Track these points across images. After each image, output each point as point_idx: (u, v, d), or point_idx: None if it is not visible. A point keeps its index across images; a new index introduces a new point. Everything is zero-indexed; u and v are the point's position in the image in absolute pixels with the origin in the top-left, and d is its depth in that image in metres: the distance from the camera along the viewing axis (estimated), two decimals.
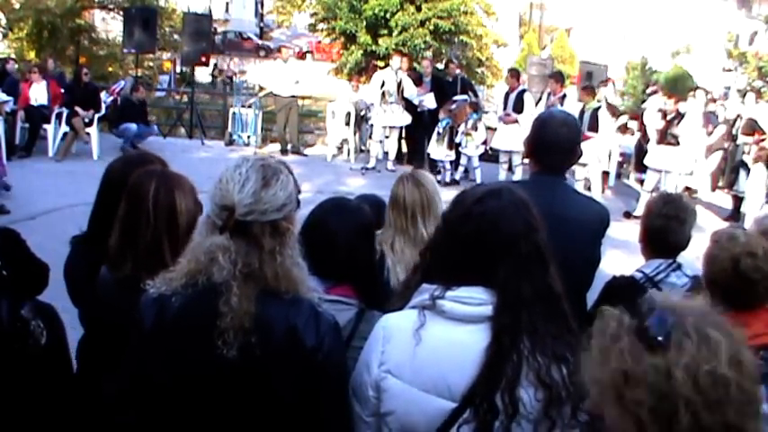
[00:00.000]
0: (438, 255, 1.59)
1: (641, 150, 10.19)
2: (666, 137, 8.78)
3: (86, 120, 10.32)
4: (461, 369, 1.44)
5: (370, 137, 10.87)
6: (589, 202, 2.64)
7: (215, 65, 14.48)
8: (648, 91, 13.35)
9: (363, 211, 2.10)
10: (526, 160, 9.88)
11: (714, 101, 11.78)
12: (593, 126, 8.91)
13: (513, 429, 1.40)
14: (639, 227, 2.64)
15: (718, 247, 1.77)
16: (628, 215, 8.92)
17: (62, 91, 10.86)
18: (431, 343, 1.48)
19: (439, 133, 10.41)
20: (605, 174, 10.43)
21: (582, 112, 9.11)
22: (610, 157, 10.56)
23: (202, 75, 23.61)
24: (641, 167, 9.82)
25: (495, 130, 10.53)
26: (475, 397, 1.42)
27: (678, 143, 8.71)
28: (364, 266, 2.01)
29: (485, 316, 1.46)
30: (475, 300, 1.47)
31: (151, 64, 19.58)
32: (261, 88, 13.06)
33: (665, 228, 2.40)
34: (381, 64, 15.61)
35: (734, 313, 1.69)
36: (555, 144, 2.43)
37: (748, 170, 8.89)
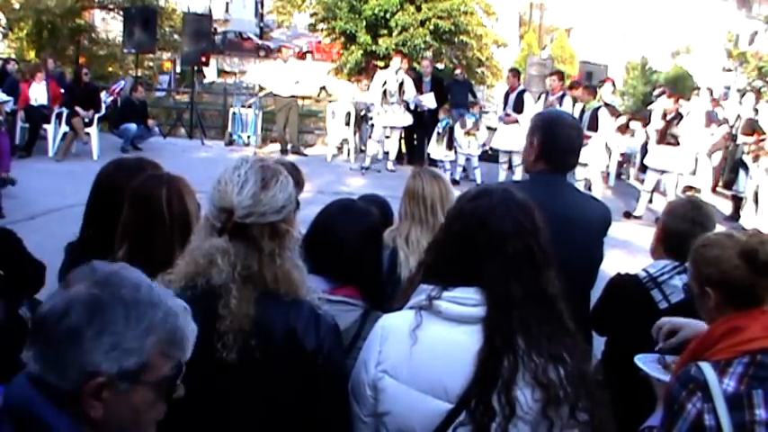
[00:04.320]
0: (435, 253, 1.60)
1: (647, 151, 10.18)
2: (666, 137, 8.78)
3: (86, 120, 10.31)
4: (457, 370, 1.44)
5: (370, 137, 10.88)
6: (592, 201, 2.66)
7: (199, 69, 14.48)
8: (656, 93, 13.31)
9: (371, 213, 2.11)
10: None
11: (716, 102, 11.76)
12: (593, 126, 8.91)
13: (510, 431, 1.40)
14: (657, 226, 2.62)
15: (719, 247, 1.74)
16: (628, 215, 8.93)
17: (62, 91, 10.85)
18: (427, 343, 1.49)
19: (439, 133, 10.43)
20: (605, 174, 10.44)
21: (582, 112, 9.11)
22: (610, 156, 10.57)
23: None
24: (645, 168, 9.82)
25: (495, 130, 10.54)
26: (471, 398, 1.42)
27: (678, 143, 8.70)
28: (370, 268, 2.01)
29: (480, 317, 1.46)
30: (470, 300, 1.47)
31: (151, 64, 19.56)
32: (261, 88, 13.07)
33: (690, 233, 2.37)
34: (381, 64, 15.63)
35: (734, 315, 1.69)
36: (566, 145, 2.46)
37: (747, 170, 8.89)
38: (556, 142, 2.44)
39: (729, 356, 1.61)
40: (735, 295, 1.71)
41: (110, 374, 1.03)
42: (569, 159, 2.51)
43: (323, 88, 12.05)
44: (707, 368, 1.60)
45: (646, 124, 10.92)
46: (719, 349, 1.65)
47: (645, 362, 1.94)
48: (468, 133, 10.39)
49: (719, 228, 2.37)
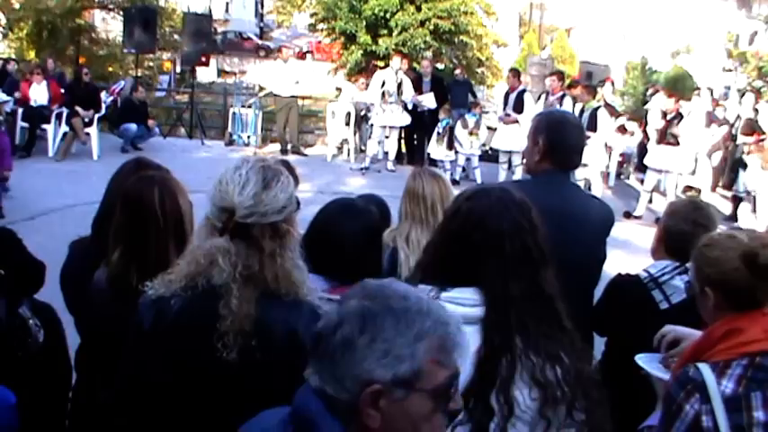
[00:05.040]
0: (433, 253, 1.60)
1: (643, 151, 10.19)
2: (666, 137, 8.78)
3: (86, 120, 10.31)
4: None
5: (370, 137, 10.88)
6: (595, 201, 2.67)
7: (191, 69, 14.56)
8: (650, 92, 13.32)
9: (371, 212, 2.11)
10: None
11: (716, 102, 11.76)
12: (593, 126, 8.90)
13: (508, 430, 1.40)
14: (658, 226, 2.62)
15: (720, 248, 1.74)
16: (628, 215, 8.93)
17: (62, 91, 10.84)
18: None
19: (439, 133, 10.42)
20: (605, 174, 10.43)
21: (581, 112, 9.10)
22: (610, 156, 10.57)
23: (203, 75, 23.59)
24: (643, 168, 9.81)
25: (495, 130, 10.53)
26: (469, 398, 1.42)
27: (678, 143, 8.70)
28: (369, 267, 2.01)
29: (478, 317, 1.46)
30: (469, 301, 1.48)
31: (151, 64, 19.55)
32: (261, 88, 13.07)
33: (692, 234, 2.37)
34: (381, 64, 15.62)
35: (733, 316, 1.69)
36: (573, 145, 2.47)
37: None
38: (563, 141, 2.44)
39: (728, 358, 1.62)
40: (733, 297, 1.71)
41: (384, 381, 1.05)
42: (575, 159, 2.52)
43: (339, 89, 12.12)
44: (705, 369, 1.60)
45: (641, 124, 10.91)
46: (719, 350, 1.65)
47: (646, 361, 1.94)
48: (471, 133, 10.38)
49: (721, 227, 2.37)
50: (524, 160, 9.93)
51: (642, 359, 1.95)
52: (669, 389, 1.66)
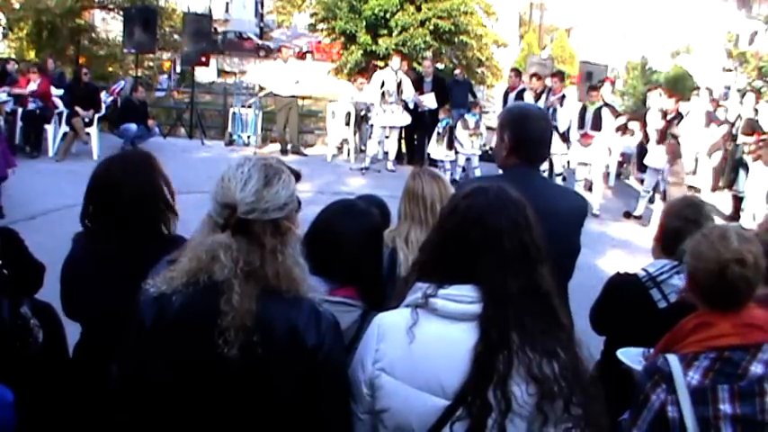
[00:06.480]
0: (430, 251, 1.61)
1: (643, 150, 10.18)
2: (666, 137, 8.78)
3: (86, 120, 10.30)
4: (454, 367, 1.45)
5: (370, 137, 10.88)
6: (567, 193, 2.67)
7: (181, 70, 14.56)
8: (647, 90, 13.32)
9: (371, 213, 2.10)
10: None
11: (716, 102, 11.74)
12: (596, 125, 8.90)
13: (506, 426, 1.41)
14: (657, 225, 2.63)
15: (707, 245, 1.76)
16: (628, 215, 8.93)
17: (52, 89, 10.68)
18: (424, 341, 1.50)
19: (439, 133, 10.42)
20: (605, 174, 10.43)
21: (584, 112, 9.09)
22: (609, 156, 10.56)
23: (203, 75, 23.61)
24: (643, 167, 9.81)
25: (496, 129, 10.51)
26: (467, 394, 1.43)
27: (678, 143, 8.70)
28: (370, 269, 2.01)
29: (476, 314, 1.47)
30: (466, 298, 1.48)
31: (151, 64, 19.56)
32: (261, 88, 13.08)
33: (682, 230, 2.39)
34: (381, 64, 15.64)
35: (707, 311, 1.72)
36: (540, 138, 2.47)
37: (748, 170, 8.90)
38: (527, 136, 2.44)
39: (697, 350, 1.64)
40: (699, 290, 1.77)
41: None
42: (541, 151, 2.52)
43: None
44: (673, 360, 1.63)
45: (642, 123, 10.90)
46: (689, 342, 1.69)
47: (628, 355, 1.97)
48: (471, 133, 10.38)
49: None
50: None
51: (623, 353, 1.98)
52: (639, 378, 1.69)
